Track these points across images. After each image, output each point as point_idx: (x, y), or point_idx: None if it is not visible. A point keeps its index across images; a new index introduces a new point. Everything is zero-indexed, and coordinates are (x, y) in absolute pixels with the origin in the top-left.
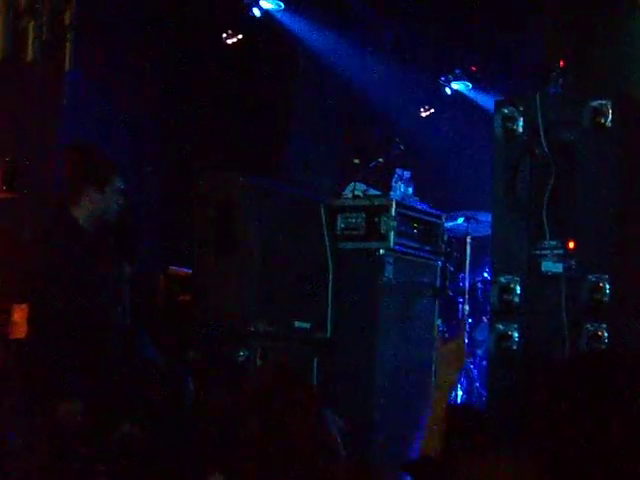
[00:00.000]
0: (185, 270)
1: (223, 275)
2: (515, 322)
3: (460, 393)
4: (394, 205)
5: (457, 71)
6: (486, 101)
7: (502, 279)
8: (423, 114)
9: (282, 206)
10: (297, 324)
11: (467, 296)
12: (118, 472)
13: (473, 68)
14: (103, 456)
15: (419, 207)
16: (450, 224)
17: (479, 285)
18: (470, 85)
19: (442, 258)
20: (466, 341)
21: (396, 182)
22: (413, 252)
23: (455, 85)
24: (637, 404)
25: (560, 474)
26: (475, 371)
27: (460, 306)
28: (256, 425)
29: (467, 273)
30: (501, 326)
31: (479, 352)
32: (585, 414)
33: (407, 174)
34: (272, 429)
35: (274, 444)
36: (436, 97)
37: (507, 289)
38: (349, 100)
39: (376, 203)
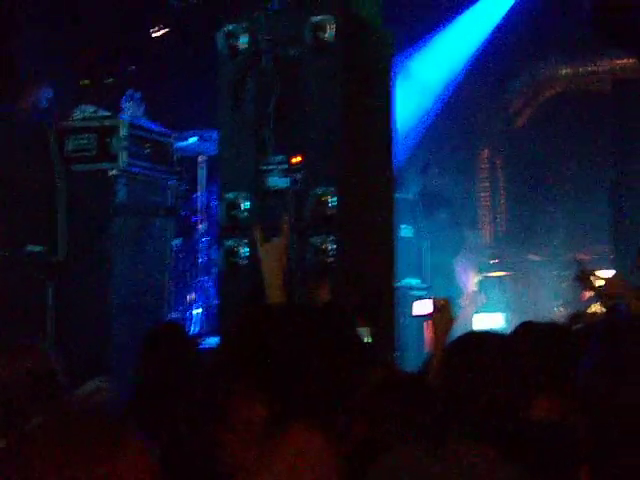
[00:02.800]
0: None
1: None
2: (243, 238)
3: (200, 310)
4: (124, 125)
5: None
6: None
7: (229, 195)
8: (155, 34)
9: (9, 130)
10: (29, 248)
11: (202, 215)
12: None
13: None
14: None
15: (150, 127)
16: (183, 143)
17: (214, 204)
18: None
19: (174, 177)
20: (199, 259)
21: (126, 102)
22: (145, 172)
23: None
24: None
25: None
26: (212, 289)
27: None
28: None
29: (200, 192)
30: (230, 242)
31: (215, 270)
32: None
33: (137, 94)
34: None
35: None
36: (168, 16)
37: (234, 205)
38: (76, 21)
39: (106, 124)
